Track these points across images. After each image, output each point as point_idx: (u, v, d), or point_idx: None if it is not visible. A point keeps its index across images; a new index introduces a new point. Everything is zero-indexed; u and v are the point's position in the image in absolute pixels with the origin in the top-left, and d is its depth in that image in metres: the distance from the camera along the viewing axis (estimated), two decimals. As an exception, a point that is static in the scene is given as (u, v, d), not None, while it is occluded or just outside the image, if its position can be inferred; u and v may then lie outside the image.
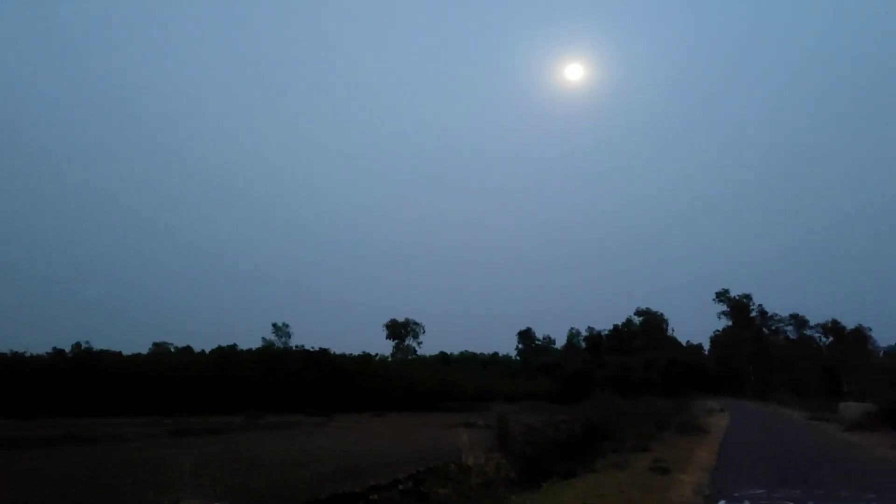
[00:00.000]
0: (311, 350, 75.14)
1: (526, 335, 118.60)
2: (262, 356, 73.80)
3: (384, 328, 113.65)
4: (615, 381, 72.07)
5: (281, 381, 63.50)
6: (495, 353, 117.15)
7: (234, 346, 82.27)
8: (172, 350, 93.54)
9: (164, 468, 18.90)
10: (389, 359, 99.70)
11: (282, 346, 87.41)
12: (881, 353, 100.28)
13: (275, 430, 41.09)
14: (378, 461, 20.24)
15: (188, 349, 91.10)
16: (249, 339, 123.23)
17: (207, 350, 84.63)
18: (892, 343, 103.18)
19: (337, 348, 78.36)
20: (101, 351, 69.91)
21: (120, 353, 73.69)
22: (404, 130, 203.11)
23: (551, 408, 46.20)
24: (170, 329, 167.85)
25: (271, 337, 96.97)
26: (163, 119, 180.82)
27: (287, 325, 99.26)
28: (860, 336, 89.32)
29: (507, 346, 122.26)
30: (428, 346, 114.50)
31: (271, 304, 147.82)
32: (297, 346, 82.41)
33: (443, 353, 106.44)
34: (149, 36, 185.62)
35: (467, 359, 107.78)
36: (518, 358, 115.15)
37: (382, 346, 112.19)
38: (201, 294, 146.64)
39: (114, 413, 49.84)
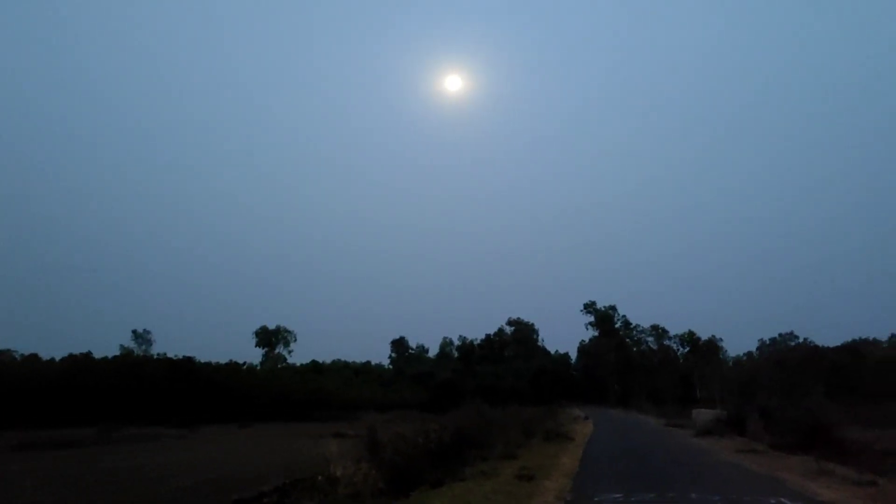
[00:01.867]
0: (175, 358, 71.62)
1: (399, 344, 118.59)
2: (120, 365, 69.44)
3: (254, 336, 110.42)
4: (486, 389, 73.22)
5: (141, 391, 59.95)
6: (368, 362, 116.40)
7: (89, 353, 77.10)
8: (18, 358, 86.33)
9: (3, 486, 17.31)
10: (258, 367, 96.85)
11: (142, 354, 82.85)
12: (731, 363, 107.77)
13: (132, 443, 38.75)
14: (242, 474, 19.47)
15: (34, 357, 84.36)
16: (106, 347, 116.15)
17: (58, 358, 78.82)
18: (741, 353, 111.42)
19: (203, 357, 75.37)
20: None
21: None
22: (283, 137, 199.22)
23: (423, 417, 46.28)
24: (11, 336, 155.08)
25: (130, 344, 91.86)
26: None
27: (148, 332, 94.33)
28: (713, 346, 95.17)
29: (381, 355, 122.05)
30: (299, 354, 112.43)
31: (131, 310, 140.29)
32: (159, 354, 78.41)
33: (314, 362, 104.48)
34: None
35: (339, 367, 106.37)
36: (391, 367, 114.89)
37: (252, 355, 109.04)
38: (51, 299, 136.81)
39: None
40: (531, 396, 75.85)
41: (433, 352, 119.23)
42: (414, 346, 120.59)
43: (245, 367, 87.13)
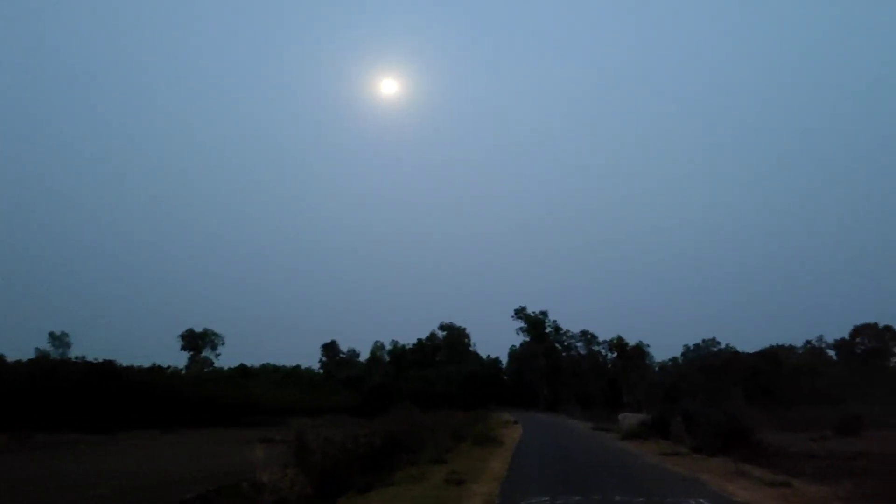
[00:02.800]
0: (94, 362, 68.78)
1: (330, 348, 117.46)
2: (35, 368, 66.42)
3: (179, 339, 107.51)
4: (417, 394, 73.21)
5: (57, 396, 57.47)
6: (298, 366, 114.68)
7: (1, 357, 73.56)
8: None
9: None
10: (183, 371, 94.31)
11: (59, 358, 79.56)
12: (657, 368, 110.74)
13: (47, 449, 37.09)
14: (164, 481, 18.88)
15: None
16: (21, 350, 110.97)
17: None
18: (667, 358, 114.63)
19: (125, 360, 72.59)
20: None
21: None
22: (217, 140, 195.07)
23: (353, 421, 45.87)
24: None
25: (47, 347, 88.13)
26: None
27: (66, 335, 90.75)
28: (639, 352, 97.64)
29: (311, 359, 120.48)
30: (227, 358, 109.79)
31: (48, 311, 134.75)
32: (77, 358, 75.28)
33: (242, 366, 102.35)
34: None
35: (268, 371, 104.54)
36: (321, 371, 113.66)
37: (177, 359, 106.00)
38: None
39: None
40: (462, 401, 76.16)
41: (364, 356, 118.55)
42: (345, 350, 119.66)
43: (169, 370, 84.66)
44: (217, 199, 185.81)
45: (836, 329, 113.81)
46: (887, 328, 78.68)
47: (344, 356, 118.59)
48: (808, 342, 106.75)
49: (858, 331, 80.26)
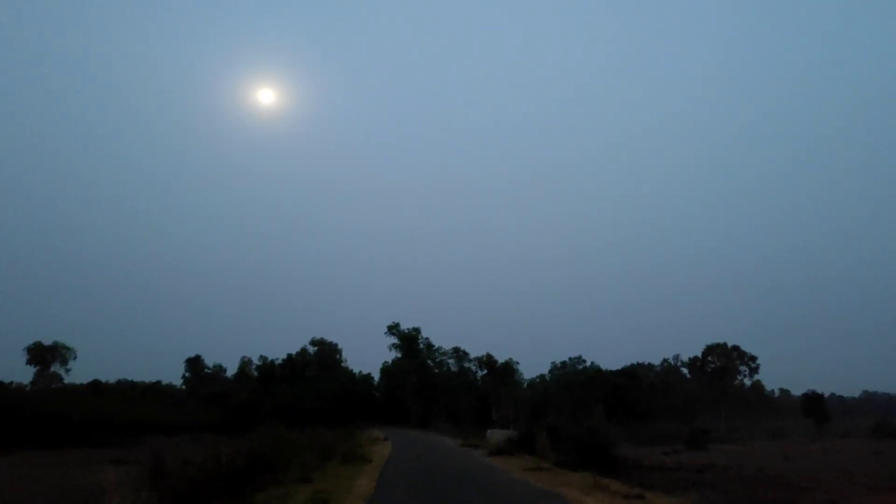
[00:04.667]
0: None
1: (195, 363, 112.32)
2: None
3: (25, 352, 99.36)
4: (286, 410, 71.41)
5: None
6: (158, 382, 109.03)
7: None
8: None
9: None
10: (28, 387, 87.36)
11: None
12: (525, 385, 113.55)
13: None
14: (-1, 508, 17.31)
15: None
16: None
17: None
18: (535, 376, 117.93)
19: (-38, 375, 66.60)
20: None
21: None
22: (89, 142, 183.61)
23: (217, 440, 44.04)
24: None
25: None
26: None
27: None
28: (509, 369, 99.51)
29: (173, 375, 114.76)
30: (79, 373, 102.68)
31: None
32: None
33: (96, 382, 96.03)
34: None
35: (125, 388, 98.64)
36: (184, 387, 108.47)
37: (22, 374, 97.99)
38: None
39: None
40: (333, 418, 74.86)
41: (231, 371, 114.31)
42: (211, 365, 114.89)
43: (12, 386, 78.24)
44: (78, 206, 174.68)
45: (690, 348, 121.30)
46: (735, 348, 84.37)
47: (209, 372, 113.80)
48: (665, 360, 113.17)
49: (710, 350, 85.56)
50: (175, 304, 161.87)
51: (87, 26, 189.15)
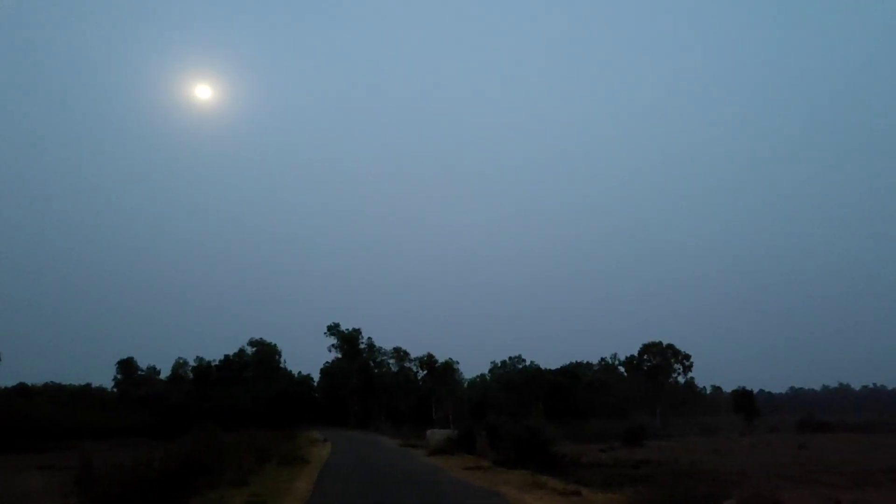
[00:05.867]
0: None
1: (127, 365, 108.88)
2: None
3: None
4: (223, 413, 70.05)
5: None
6: (88, 385, 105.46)
7: None
8: None
9: None
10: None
11: None
12: (466, 384, 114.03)
13: None
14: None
15: None
16: None
17: None
18: (475, 375, 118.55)
19: None
20: None
21: None
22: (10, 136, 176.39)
23: (149, 444, 42.91)
24: None
25: None
26: None
27: None
28: (449, 369, 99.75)
29: (105, 377, 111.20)
30: (4, 375, 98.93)
31: None
32: None
33: (22, 385, 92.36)
34: None
35: (53, 390, 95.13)
36: (116, 390, 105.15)
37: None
38: None
39: None
40: (271, 420, 73.74)
41: (166, 373, 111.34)
42: (144, 367, 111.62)
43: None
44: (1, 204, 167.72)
45: (627, 347, 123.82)
46: (669, 346, 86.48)
47: (142, 374, 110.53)
48: (603, 359, 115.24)
49: (646, 349, 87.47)
50: (106, 304, 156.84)
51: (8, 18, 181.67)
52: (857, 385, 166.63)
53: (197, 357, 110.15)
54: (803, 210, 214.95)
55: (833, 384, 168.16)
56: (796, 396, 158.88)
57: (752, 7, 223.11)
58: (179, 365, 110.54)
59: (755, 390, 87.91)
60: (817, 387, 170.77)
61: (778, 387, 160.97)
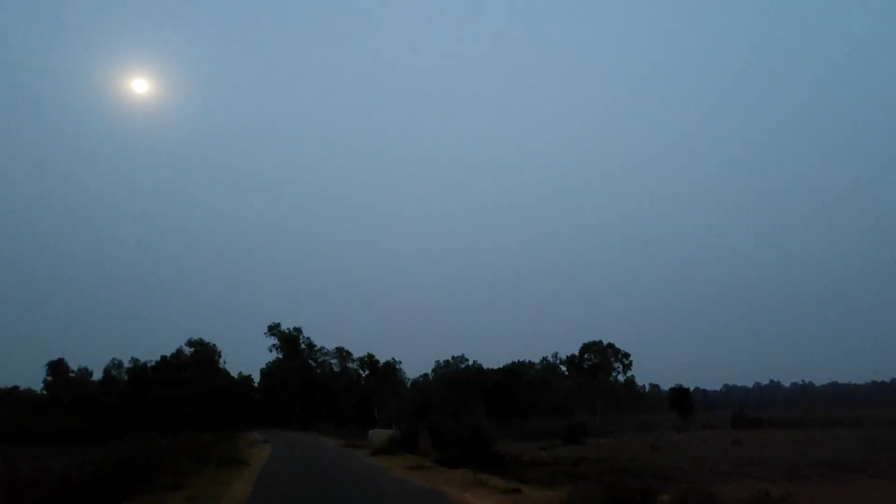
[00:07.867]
0: None
1: (57, 366, 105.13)
2: None
3: None
4: (160, 415, 68.42)
5: None
6: (15, 387, 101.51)
7: None
8: None
9: None
10: None
11: None
12: (409, 384, 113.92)
13: None
14: None
15: None
16: None
17: None
18: (418, 375, 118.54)
19: None
20: None
21: None
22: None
23: (82, 448, 41.58)
24: None
25: None
26: None
27: None
28: (391, 369, 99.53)
29: (33, 380, 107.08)
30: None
31: None
32: None
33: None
34: None
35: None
36: (45, 392, 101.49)
37: None
38: None
39: None
40: (210, 421, 72.33)
41: (98, 375, 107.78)
42: (76, 368, 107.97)
43: None
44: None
45: (568, 346, 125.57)
46: (610, 345, 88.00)
47: (74, 375, 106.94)
48: (545, 358, 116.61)
49: (586, 348, 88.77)
50: (34, 303, 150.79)
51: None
52: (786, 382, 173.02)
53: (132, 358, 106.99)
54: (734, 216, 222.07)
55: (764, 381, 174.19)
56: (730, 393, 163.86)
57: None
58: (113, 366, 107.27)
59: (691, 388, 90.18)
60: (749, 384, 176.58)
61: (713, 384, 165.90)
